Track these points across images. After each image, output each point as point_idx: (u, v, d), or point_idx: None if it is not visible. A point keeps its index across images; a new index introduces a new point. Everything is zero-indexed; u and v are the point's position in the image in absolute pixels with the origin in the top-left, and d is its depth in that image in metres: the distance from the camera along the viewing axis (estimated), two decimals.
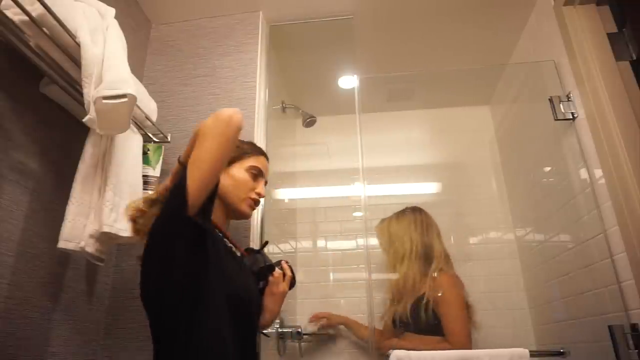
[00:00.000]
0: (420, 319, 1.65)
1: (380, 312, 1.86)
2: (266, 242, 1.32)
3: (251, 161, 1.21)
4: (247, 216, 1.22)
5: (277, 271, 1.20)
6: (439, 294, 1.66)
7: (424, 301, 1.66)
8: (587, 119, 1.47)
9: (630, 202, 1.27)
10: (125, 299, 1.51)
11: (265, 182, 1.26)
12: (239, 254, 1.15)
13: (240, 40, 1.86)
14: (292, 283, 1.24)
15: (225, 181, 1.14)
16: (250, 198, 1.18)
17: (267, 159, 1.29)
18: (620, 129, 1.34)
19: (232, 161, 1.18)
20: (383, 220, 1.94)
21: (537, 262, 1.96)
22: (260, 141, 1.68)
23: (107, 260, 1.30)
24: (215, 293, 0.94)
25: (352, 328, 1.93)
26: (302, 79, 2.32)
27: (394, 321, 1.75)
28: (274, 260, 1.25)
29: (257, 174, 1.21)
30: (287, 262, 1.24)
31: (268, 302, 1.18)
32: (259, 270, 1.17)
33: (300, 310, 2.04)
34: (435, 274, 1.72)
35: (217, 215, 1.13)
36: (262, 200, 1.25)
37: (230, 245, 1.13)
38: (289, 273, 1.22)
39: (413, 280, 1.73)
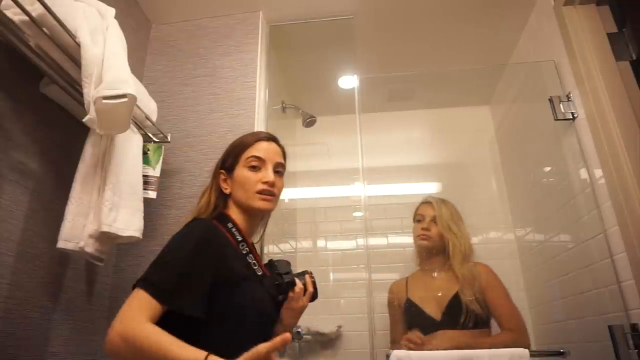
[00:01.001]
0: (463, 313, 1.56)
1: (380, 312, 1.84)
2: (305, 272, 1.21)
3: (247, 154, 1.13)
4: (265, 210, 1.14)
5: (299, 286, 1.12)
6: (482, 283, 1.60)
7: (469, 293, 1.58)
8: (587, 119, 1.47)
9: (630, 202, 1.27)
10: (125, 299, 1.51)
11: (279, 165, 1.16)
12: (260, 272, 1.10)
13: (240, 40, 1.86)
14: (314, 296, 1.17)
15: (233, 188, 1.13)
16: (258, 191, 1.10)
17: (271, 139, 1.19)
18: (620, 129, 1.34)
19: (233, 166, 1.14)
20: (442, 200, 1.81)
21: (537, 262, 1.96)
22: None
23: (107, 260, 1.30)
24: (229, 313, 0.96)
25: None
26: (302, 79, 2.32)
27: (422, 319, 1.64)
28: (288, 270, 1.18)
29: (257, 163, 1.12)
30: (311, 276, 1.18)
31: (285, 315, 1.13)
32: (277, 284, 1.11)
33: None
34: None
35: (241, 222, 1.11)
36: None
37: (253, 261, 1.09)
38: (310, 288, 1.14)
39: (457, 278, 1.64)
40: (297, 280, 1.14)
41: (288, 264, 1.18)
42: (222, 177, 1.16)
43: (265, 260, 1.23)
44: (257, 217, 1.17)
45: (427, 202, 1.83)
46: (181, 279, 0.89)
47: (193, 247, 0.94)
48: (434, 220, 1.76)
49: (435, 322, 1.60)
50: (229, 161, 1.16)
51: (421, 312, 1.65)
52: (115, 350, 0.82)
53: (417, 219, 1.82)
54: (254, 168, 1.12)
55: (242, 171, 1.12)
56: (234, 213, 1.13)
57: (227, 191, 1.14)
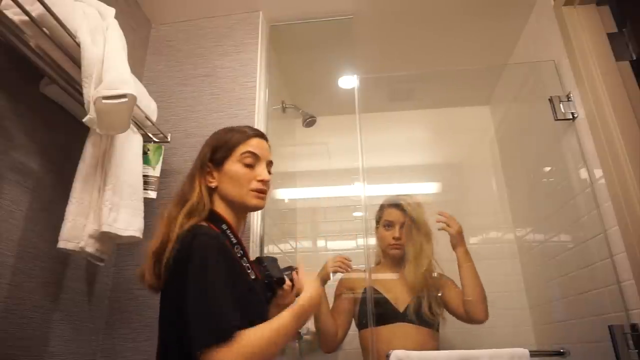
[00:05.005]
0: (425, 309, 1.61)
1: None
2: (291, 267, 1.20)
3: (241, 149, 1.11)
4: (258, 208, 1.13)
5: (287, 283, 1.12)
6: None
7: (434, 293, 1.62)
8: (587, 119, 1.47)
9: (630, 202, 1.27)
10: (125, 299, 1.51)
11: (270, 162, 1.16)
12: (253, 276, 1.07)
13: (240, 40, 1.86)
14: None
15: (223, 182, 1.09)
16: (253, 189, 1.09)
17: (263, 137, 1.18)
18: (620, 129, 1.34)
19: (223, 159, 1.11)
20: (416, 202, 1.78)
21: (537, 262, 1.96)
22: None
23: (107, 260, 1.30)
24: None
25: None
26: (302, 79, 2.32)
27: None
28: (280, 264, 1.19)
29: (253, 160, 1.11)
30: (297, 272, 1.16)
31: (274, 312, 1.10)
32: (267, 282, 1.11)
33: None
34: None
35: (231, 220, 1.09)
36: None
37: (247, 265, 1.07)
38: (298, 284, 1.12)
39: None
40: (285, 278, 1.14)
41: (275, 260, 1.18)
42: (207, 169, 1.11)
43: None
44: (244, 213, 1.15)
45: (395, 205, 1.74)
46: (230, 308, 0.88)
47: (220, 274, 0.91)
48: (403, 226, 1.70)
49: (398, 313, 1.60)
50: (219, 154, 1.12)
51: (385, 300, 1.64)
52: None
53: (385, 224, 1.74)
54: (248, 165, 1.10)
55: (234, 166, 1.10)
56: (222, 210, 1.09)
57: (213, 185, 1.10)
